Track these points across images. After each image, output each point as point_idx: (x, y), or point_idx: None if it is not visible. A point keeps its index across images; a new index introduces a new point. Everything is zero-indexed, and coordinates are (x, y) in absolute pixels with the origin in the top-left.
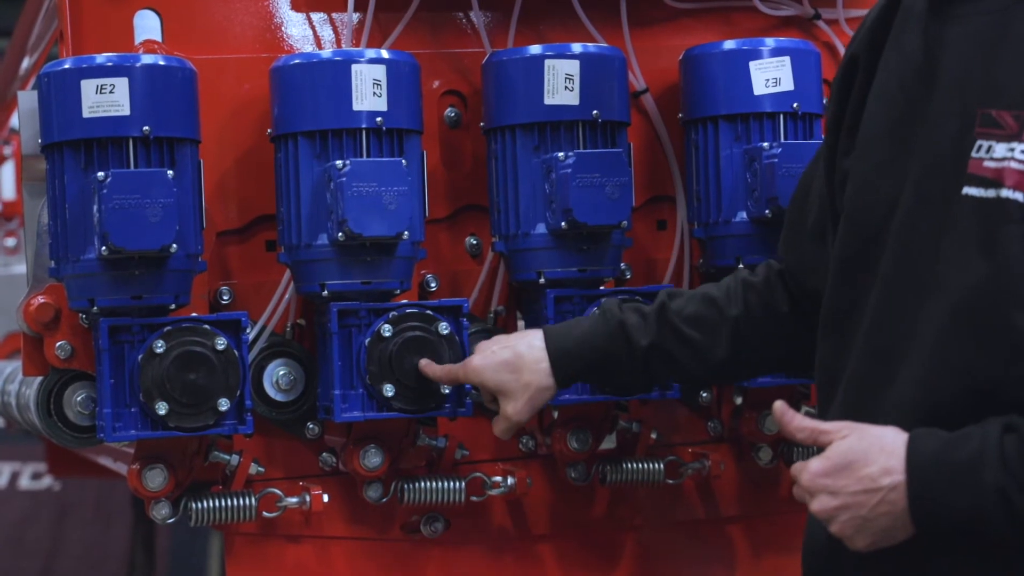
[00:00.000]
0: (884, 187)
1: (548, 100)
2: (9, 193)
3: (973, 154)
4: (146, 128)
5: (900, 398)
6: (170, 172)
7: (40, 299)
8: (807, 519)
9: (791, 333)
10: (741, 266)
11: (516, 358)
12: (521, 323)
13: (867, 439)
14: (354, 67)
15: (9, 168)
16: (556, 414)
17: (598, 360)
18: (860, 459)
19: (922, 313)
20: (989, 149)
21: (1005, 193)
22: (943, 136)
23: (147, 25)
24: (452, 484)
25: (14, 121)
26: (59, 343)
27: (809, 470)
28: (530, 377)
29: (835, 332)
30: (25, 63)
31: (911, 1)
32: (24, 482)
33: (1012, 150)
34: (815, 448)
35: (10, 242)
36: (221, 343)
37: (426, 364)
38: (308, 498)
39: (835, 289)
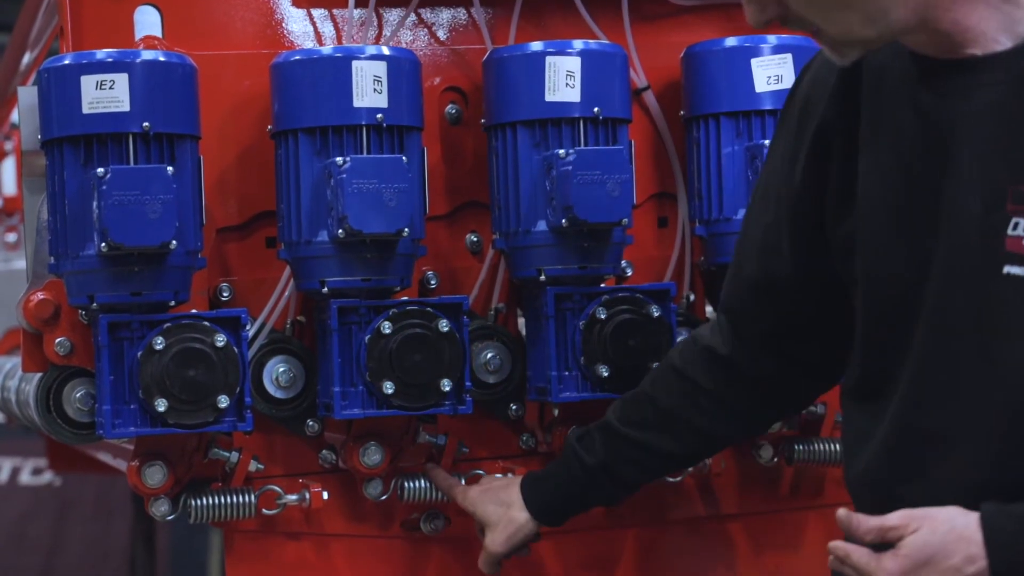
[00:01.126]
0: (904, 262)
1: (549, 97)
2: (10, 189)
3: (1010, 232)
4: (146, 124)
5: (961, 481)
6: (170, 168)
7: (40, 295)
8: None
9: (726, 400)
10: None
11: (509, 495)
12: (521, 320)
13: (940, 528)
14: (355, 63)
15: (10, 164)
16: (556, 412)
17: (567, 492)
18: (939, 552)
19: (977, 395)
20: None
21: None
22: (968, 213)
23: (147, 21)
24: None
25: (15, 117)
26: (58, 339)
27: (888, 571)
28: (516, 513)
29: (870, 400)
30: (26, 59)
31: (880, 62)
32: (25, 478)
33: None
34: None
35: (11, 238)
36: (221, 340)
37: (431, 468)
38: (308, 495)
39: (865, 359)
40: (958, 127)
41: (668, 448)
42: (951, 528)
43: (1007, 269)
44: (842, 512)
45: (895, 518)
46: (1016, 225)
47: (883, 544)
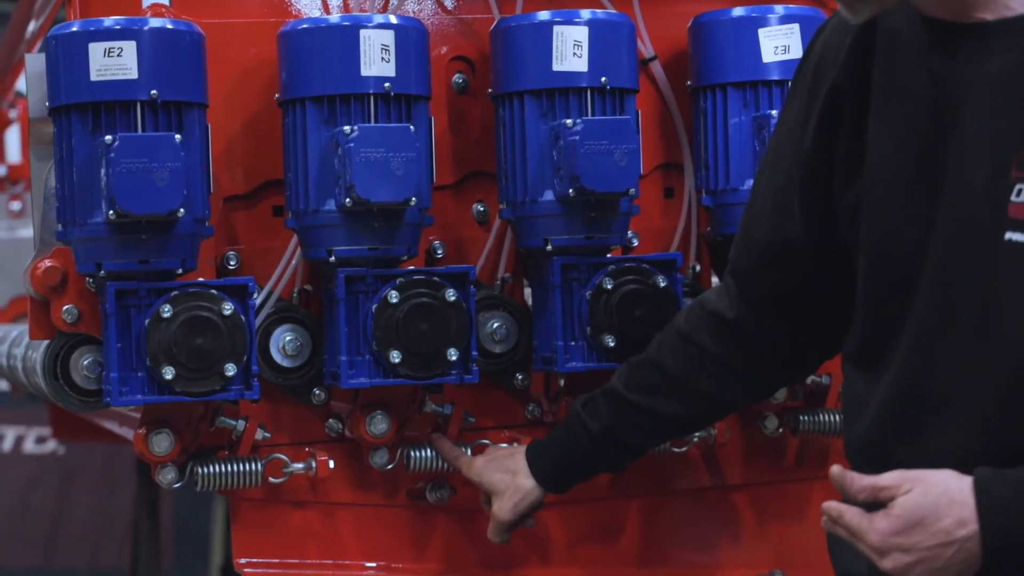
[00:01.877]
0: (907, 228)
1: (556, 66)
2: (15, 157)
3: (1013, 198)
4: (154, 92)
5: (958, 446)
6: (178, 136)
7: (47, 263)
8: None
9: (732, 364)
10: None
11: (515, 463)
12: (528, 290)
13: (933, 490)
14: (362, 32)
15: (15, 132)
16: (563, 381)
17: (572, 459)
18: (931, 514)
19: (976, 360)
20: None
21: None
22: (972, 180)
23: None
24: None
25: (20, 84)
26: (66, 307)
27: (879, 531)
28: (522, 481)
29: (871, 365)
30: (31, 26)
31: (893, 26)
32: (29, 446)
33: None
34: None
35: (15, 206)
36: (228, 308)
37: (437, 439)
38: (314, 464)
39: (866, 325)
40: (967, 92)
41: (674, 413)
42: (944, 491)
43: (1009, 235)
44: (836, 469)
45: (889, 478)
46: (1020, 192)
47: (876, 504)
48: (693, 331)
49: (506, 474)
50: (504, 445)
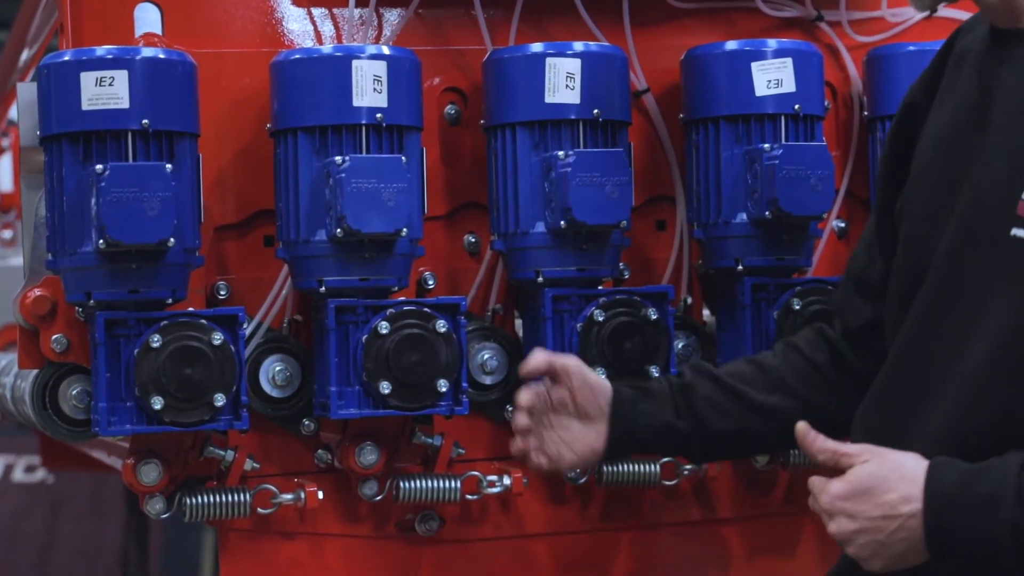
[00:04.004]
0: (934, 225)
1: (549, 98)
2: (6, 185)
3: (1023, 196)
4: (145, 121)
5: (928, 433)
6: (168, 166)
7: (36, 292)
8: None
9: (829, 386)
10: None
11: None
12: (518, 322)
13: (888, 465)
14: (355, 63)
15: (7, 160)
16: None
17: (649, 428)
18: (880, 485)
19: (963, 353)
20: None
21: None
22: (992, 176)
23: (148, 18)
24: (448, 483)
25: (12, 113)
26: (55, 336)
27: (830, 492)
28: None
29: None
30: (25, 55)
31: (966, 44)
32: (18, 475)
33: None
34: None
35: (7, 234)
36: (218, 338)
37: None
38: (303, 495)
39: (890, 325)
40: (1002, 92)
41: (764, 403)
42: (898, 467)
43: (1014, 231)
44: (801, 425)
45: (852, 447)
46: None
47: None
48: (803, 344)
49: (597, 399)
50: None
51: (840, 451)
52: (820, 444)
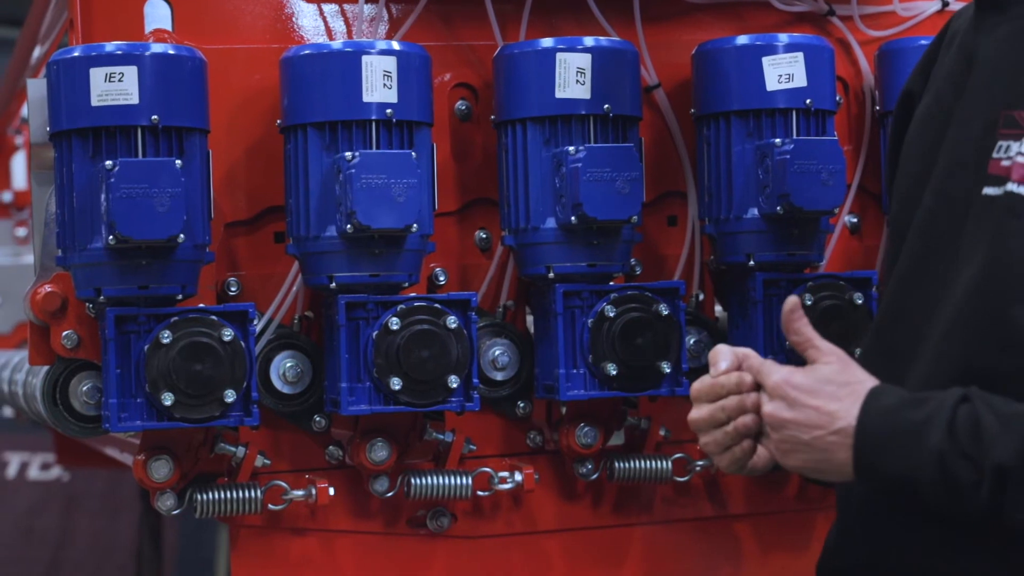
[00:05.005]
0: (913, 197)
1: (559, 94)
2: (20, 183)
3: (993, 155)
4: (155, 117)
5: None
6: (178, 162)
7: (47, 288)
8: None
9: None
10: None
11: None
12: (530, 318)
13: (845, 375)
14: (364, 58)
15: (20, 158)
16: (564, 410)
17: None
18: (830, 390)
19: (937, 313)
20: (1007, 149)
21: (1010, 187)
22: (967, 139)
23: (158, 14)
24: (459, 479)
25: (25, 111)
26: (65, 332)
27: (782, 374)
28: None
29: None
30: (36, 52)
31: (956, 26)
32: (33, 473)
33: (1022, 145)
34: None
35: (21, 232)
36: (228, 334)
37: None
38: (314, 491)
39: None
40: (978, 57)
41: None
42: (852, 381)
43: (985, 190)
44: (793, 299)
45: (824, 344)
46: (1000, 148)
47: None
48: None
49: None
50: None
51: (812, 341)
52: (799, 325)
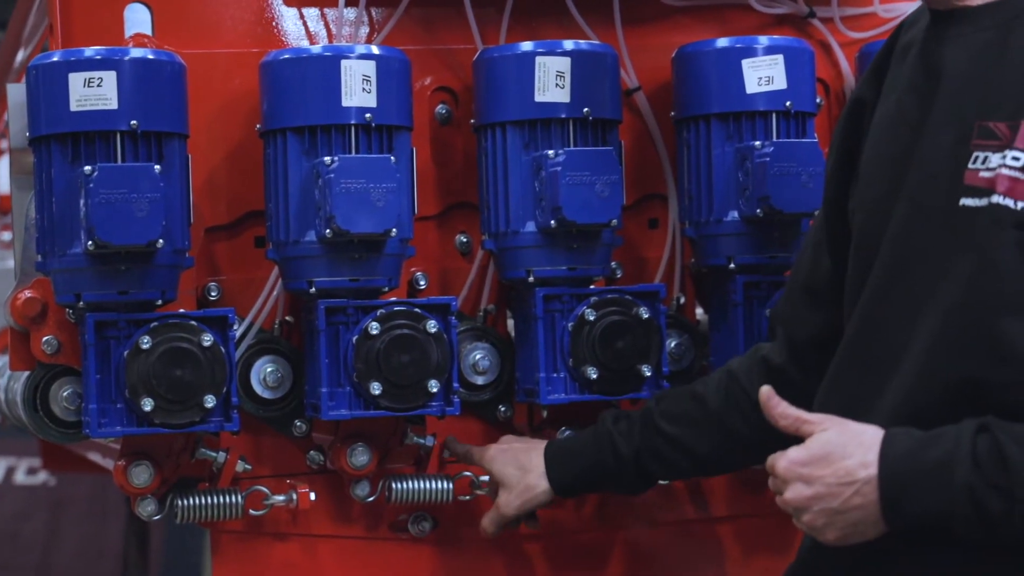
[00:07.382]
0: (883, 208)
1: (539, 97)
2: (4, 187)
3: (969, 165)
4: (134, 122)
5: (885, 406)
6: (157, 167)
7: (27, 293)
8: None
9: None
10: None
11: (530, 460)
12: (510, 322)
13: (847, 433)
14: (343, 63)
15: (4, 162)
16: (545, 413)
17: (593, 474)
18: (839, 451)
19: (917, 326)
20: (985, 160)
21: (995, 199)
22: (939, 150)
23: (137, 19)
24: (440, 484)
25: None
26: (45, 338)
27: (787, 458)
28: (534, 480)
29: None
30: (20, 56)
31: (909, 37)
32: (20, 477)
33: (1004, 157)
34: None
35: (6, 236)
36: (208, 339)
37: (452, 441)
38: (295, 496)
39: (847, 316)
40: (944, 70)
41: (701, 449)
42: (857, 435)
43: (962, 201)
44: (766, 389)
45: (814, 416)
46: (976, 159)
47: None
48: (742, 372)
49: (518, 470)
50: (514, 437)
51: (802, 418)
52: (782, 409)
